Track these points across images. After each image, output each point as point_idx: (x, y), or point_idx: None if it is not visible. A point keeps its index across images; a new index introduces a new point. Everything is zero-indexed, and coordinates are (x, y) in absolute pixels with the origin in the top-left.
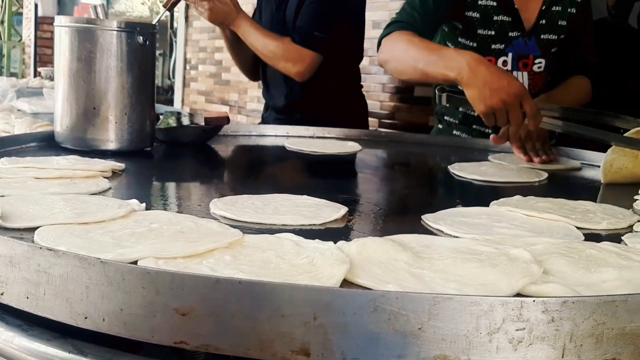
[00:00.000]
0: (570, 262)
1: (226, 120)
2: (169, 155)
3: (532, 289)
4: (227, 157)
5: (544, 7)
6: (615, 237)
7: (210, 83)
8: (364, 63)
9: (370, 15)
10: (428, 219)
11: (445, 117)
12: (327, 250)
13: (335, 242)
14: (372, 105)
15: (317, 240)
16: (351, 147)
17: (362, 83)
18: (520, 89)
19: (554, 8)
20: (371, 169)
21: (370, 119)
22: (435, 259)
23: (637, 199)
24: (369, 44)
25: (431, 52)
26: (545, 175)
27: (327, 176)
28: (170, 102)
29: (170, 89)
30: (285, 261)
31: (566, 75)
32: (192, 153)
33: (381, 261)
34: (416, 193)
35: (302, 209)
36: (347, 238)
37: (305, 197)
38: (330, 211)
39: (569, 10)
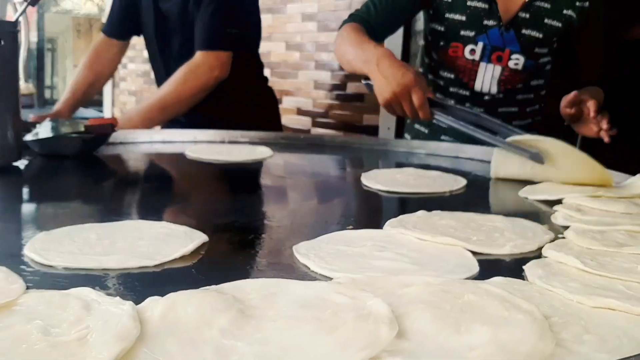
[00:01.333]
0: (437, 317)
1: (111, 127)
2: (41, 171)
3: None
4: (109, 172)
5: (527, 0)
6: (519, 264)
7: (140, 82)
8: (295, 58)
9: (300, 8)
10: (299, 250)
11: (415, 126)
12: (114, 317)
13: (139, 300)
14: (305, 103)
15: (117, 298)
16: (261, 153)
17: (293, 80)
18: (410, 80)
19: (540, 3)
20: (272, 180)
21: (303, 117)
22: (266, 320)
23: (557, 210)
24: (300, 38)
25: (356, 46)
26: (464, 182)
27: (214, 192)
28: (99, 103)
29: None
30: (49, 338)
31: (576, 83)
32: (71, 167)
33: (189, 329)
34: (310, 211)
35: (144, 243)
36: (179, 286)
37: (163, 223)
38: (178, 245)
39: (564, 12)
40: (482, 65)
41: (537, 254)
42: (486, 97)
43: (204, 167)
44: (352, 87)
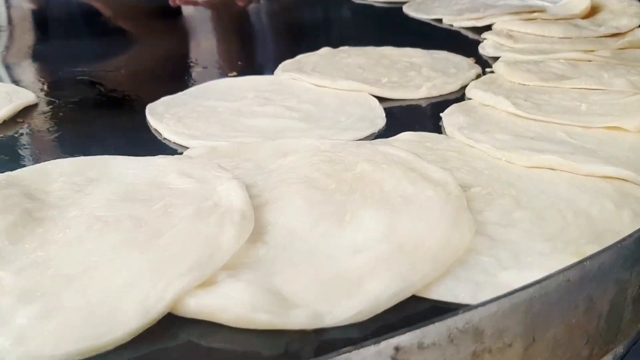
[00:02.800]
0: (314, 203)
1: None
2: None
3: (192, 304)
4: None
5: None
6: (436, 110)
7: None
8: None
9: None
10: (155, 109)
11: None
12: None
13: None
14: None
15: None
16: None
17: None
18: None
19: None
20: (144, 17)
21: None
22: (61, 226)
23: (486, 39)
24: None
25: None
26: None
27: (61, 35)
28: None
29: None
30: None
31: None
32: None
33: None
34: (185, 57)
35: None
36: None
37: None
38: None
39: None
40: None
41: (460, 95)
42: None
43: (51, 2)
44: None
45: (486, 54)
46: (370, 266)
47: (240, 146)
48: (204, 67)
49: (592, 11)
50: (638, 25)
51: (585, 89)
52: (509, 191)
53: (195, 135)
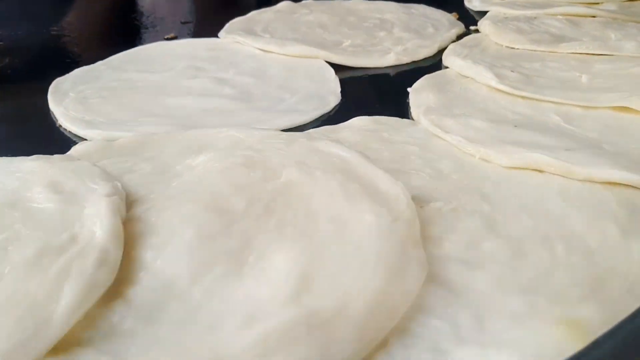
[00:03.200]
0: (208, 237)
1: None
2: None
3: None
4: None
5: None
6: (405, 83)
7: None
8: None
9: None
10: (59, 86)
11: None
12: None
13: None
14: None
15: None
16: None
17: None
18: None
19: None
20: None
21: None
22: None
23: None
24: None
25: None
26: None
27: None
28: None
29: None
30: None
31: None
32: None
33: None
34: (122, 19)
35: None
36: None
37: None
38: None
39: None
40: None
41: (437, 61)
42: None
43: None
44: None
45: (472, 8)
46: (264, 347)
47: (145, 139)
48: (145, 28)
49: None
50: None
51: (587, 54)
52: (480, 206)
53: (96, 123)
